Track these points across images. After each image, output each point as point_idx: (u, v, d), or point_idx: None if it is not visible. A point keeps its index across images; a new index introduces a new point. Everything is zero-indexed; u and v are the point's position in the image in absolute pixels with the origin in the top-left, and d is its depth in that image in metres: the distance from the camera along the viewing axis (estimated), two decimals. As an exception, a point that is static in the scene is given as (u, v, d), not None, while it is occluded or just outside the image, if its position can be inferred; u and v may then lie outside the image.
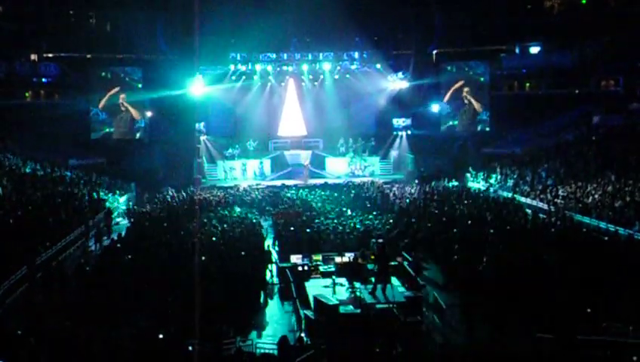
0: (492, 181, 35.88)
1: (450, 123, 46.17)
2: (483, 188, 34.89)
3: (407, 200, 31.11)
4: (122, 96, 44.38)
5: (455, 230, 23.13)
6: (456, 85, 45.80)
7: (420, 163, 43.42)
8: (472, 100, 45.52)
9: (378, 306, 16.10)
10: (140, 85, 44.80)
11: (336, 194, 34.01)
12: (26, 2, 43.95)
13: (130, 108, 44.39)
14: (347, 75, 46.25)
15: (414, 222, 25.41)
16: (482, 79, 46.00)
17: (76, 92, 45.11)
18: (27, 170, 33.10)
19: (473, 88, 45.74)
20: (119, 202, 33.36)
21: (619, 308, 14.37)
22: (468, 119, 45.86)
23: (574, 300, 14.95)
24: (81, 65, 45.34)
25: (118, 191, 34.60)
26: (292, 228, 24.01)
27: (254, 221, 27.17)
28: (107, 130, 44.37)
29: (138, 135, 45.26)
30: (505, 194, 32.49)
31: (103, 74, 44.79)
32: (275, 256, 21.91)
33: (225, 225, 25.10)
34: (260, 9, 42.41)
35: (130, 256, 20.16)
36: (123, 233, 24.74)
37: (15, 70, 44.74)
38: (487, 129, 45.83)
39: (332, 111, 47.09)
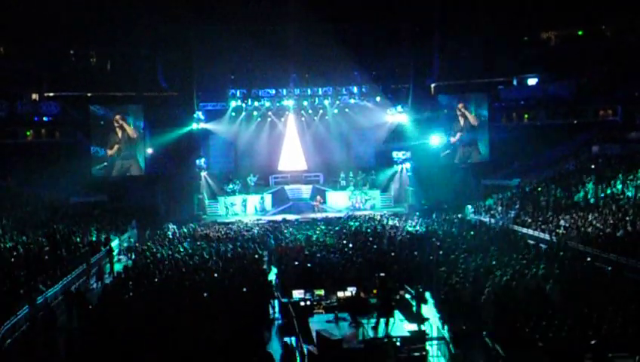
0: (493, 212, 35.84)
1: (447, 151, 46.49)
2: (484, 220, 34.82)
3: (406, 234, 30.98)
4: (117, 117, 44.55)
5: (458, 261, 23.00)
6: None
7: (420, 195, 43.47)
8: (467, 114, 45.81)
9: (381, 340, 15.94)
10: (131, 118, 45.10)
11: (337, 228, 33.88)
12: (27, 42, 44.41)
13: (125, 126, 44.52)
14: (346, 110, 46.66)
15: (416, 254, 25.29)
16: (473, 108, 46.46)
17: (77, 130, 45.42)
18: (27, 209, 33.10)
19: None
20: (121, 240, 33.24)
21: (624, 338, 14.23)
22: (466, 136, 46.22)
23: (579, 331, 14.81)
24: (82, 103, 45.68)
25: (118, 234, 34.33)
26: (296, 263, 23.87)
27: (256, 256, 27.04)
28: (106, 163, 44.53)
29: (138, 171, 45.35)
30: (506, 224, 32.43)
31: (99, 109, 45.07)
32: (277, 291, 21.76)
33: (226, 261, 24.97)
34: (258, 45, 42.82)
35: (131, 294, 20.04)
36: (124, 271, 24.59)
37: (16, 109, 45.20)
38: (482, 158, 46.08)
39: (332, 145, 47.46)
